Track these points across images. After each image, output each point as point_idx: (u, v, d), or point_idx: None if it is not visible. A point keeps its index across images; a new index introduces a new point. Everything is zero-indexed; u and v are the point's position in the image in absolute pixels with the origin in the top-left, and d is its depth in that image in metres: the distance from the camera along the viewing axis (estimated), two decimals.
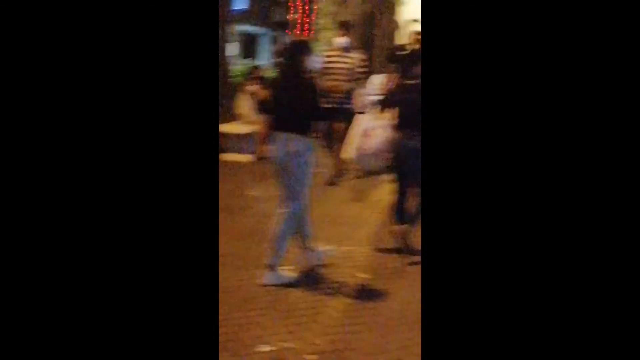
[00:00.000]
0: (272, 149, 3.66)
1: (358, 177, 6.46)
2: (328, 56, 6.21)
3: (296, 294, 3.59)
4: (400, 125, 4.06)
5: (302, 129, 3.58)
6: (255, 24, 21.84)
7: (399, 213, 4.29)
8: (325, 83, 5.60)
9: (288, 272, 3.76)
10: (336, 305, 3.46)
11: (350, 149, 4.03)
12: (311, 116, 3.64)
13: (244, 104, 8.64)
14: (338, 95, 5.86)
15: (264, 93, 8.96)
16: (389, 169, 4.38)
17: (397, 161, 4.22)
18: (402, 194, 4.26)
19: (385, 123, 4.33)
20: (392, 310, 3.40)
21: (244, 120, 8.53)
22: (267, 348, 2.89)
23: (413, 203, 4.29)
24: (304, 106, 3.56)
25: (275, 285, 3.62)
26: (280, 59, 5.34)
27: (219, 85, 9.31)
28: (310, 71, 3.67)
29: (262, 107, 8.79)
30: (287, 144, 3.55)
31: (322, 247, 4.02)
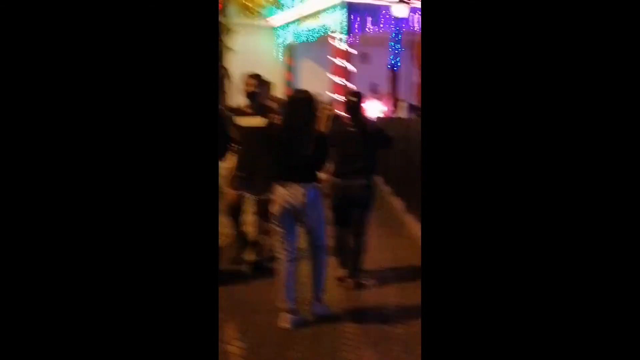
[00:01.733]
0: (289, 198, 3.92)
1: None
2: None
3: None
4: None
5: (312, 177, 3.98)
6: None
7: (342, 257, 4.70)
8: None
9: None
10: None
11: None
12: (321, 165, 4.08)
13: None
14: None
15: None
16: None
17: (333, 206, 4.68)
18: (340, 238, 4.68)
19: None
20: None
21: None
22: None
23: (351, 244, 4.68)
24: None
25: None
26: None
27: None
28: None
29: None
30: (304, 192, 3.84)
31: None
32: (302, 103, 3.84)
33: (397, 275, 4.94)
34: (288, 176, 3.79)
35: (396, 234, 6.44)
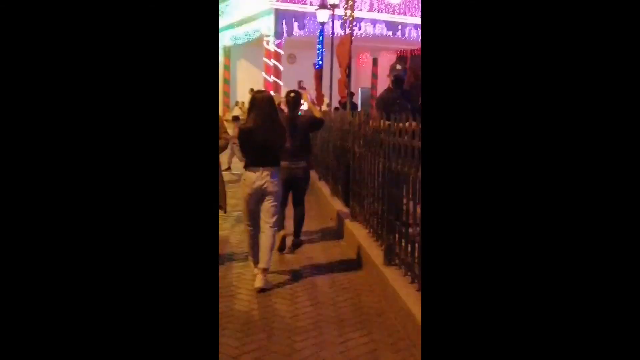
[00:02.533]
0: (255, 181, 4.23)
1: None
2: None
3: None
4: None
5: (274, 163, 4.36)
6: None
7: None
8: None
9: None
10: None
11: None
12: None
13: None
14: None
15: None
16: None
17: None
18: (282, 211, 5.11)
19: None
20: None
21: None
22: None
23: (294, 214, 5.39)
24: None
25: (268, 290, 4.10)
26: None
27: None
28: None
29: None
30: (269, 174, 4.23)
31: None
32: (264, 101, 4.24)
33: (323, 238, 5.83)
34: (257, 163, 4.16)
35: (323, 213, 7.02)
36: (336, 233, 6.01)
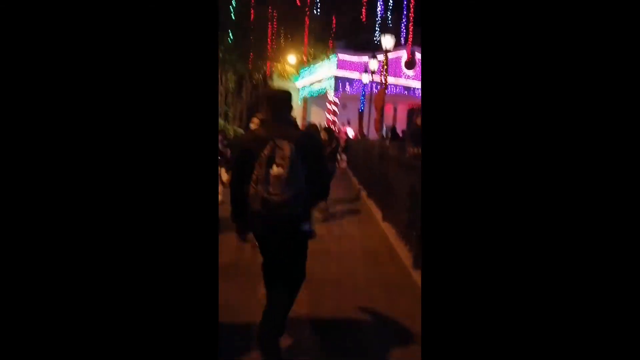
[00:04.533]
0: None
1: None
2: None
3: None
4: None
5: None
6: None
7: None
8: None
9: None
10: None
11: None
12: None
13: None
14: None
15: None
16: None
17: None
18: None
19: None
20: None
21: None
22: None
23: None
24: None
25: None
26: None
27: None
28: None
29: None
30: None
31: None
32: (314, 130, 6.08)
33: (349, 200, 8.10)
34: None
35: (351, 193, 9.25)
36: (357, 195, 8.27)
